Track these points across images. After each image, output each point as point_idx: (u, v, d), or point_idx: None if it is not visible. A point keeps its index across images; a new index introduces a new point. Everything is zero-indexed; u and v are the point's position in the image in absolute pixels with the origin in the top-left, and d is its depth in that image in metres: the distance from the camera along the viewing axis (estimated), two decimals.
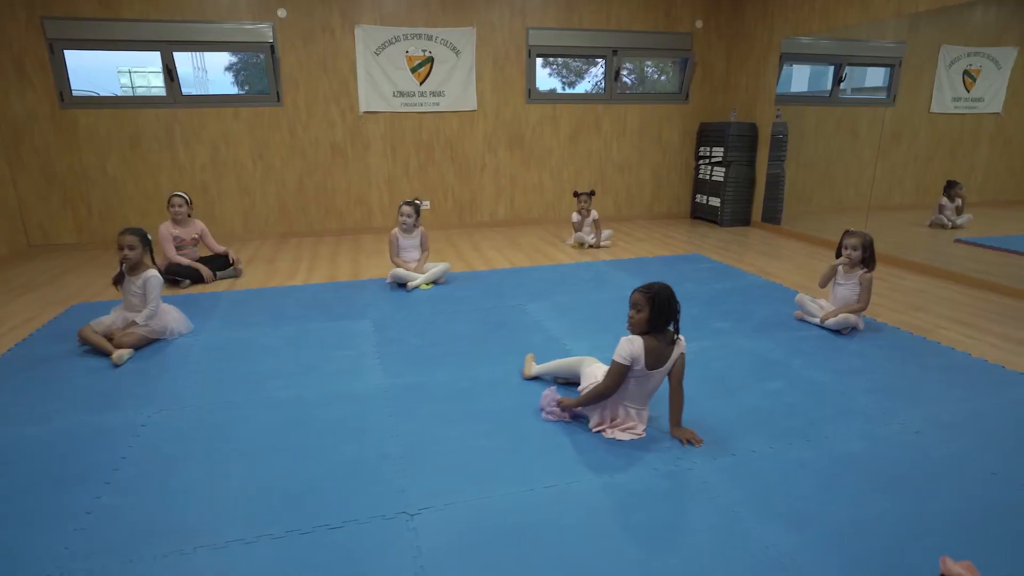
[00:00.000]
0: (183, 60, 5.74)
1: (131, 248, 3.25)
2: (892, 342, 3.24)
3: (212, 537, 1.75)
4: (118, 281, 3.31)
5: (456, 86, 6.31)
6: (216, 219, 6.06)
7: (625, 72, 6.88)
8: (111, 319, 3.29)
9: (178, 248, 4.58)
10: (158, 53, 5.57)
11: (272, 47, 5.77)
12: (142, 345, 3.22)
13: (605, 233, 5.78)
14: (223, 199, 6.05)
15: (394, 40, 6.03)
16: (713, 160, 6.82)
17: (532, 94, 6.56)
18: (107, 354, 3.03)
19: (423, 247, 4.52)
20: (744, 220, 6.79)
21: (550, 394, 2.49)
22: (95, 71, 5.42)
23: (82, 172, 5.65)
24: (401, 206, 4.38)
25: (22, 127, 5.43)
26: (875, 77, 6.05)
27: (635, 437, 2.28)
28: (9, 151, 5.44)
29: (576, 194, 5.70)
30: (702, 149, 7.03)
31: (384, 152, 6.35)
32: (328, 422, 2.41)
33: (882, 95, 5.51)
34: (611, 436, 2.29)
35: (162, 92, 5.71)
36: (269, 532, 1.78)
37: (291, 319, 3.66)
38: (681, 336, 2.29)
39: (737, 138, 6.53)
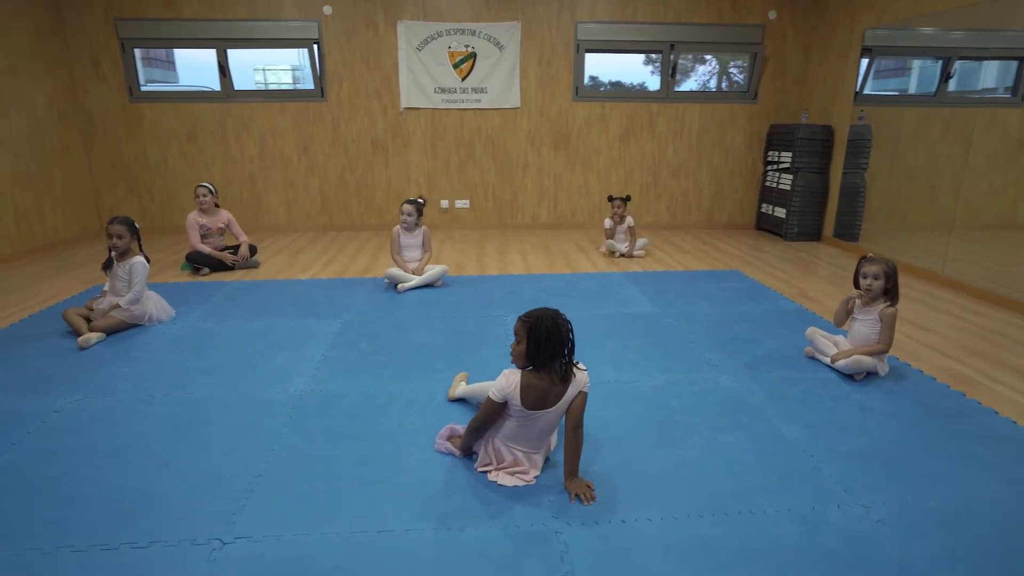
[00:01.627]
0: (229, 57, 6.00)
1: (119, 237, 3.37)
2: (913, 395, 2.64)
3: (14, 543, 1.70)
4: (107, 267, 3.45)
5: (499, 82, 6.12)
6: (262, 210, 6.31)
7: (685, 65, 6.34)
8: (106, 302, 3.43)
9: (204, 237, 4.77)
10: (214, 50, 5.87)
11: (317, 43, 5.89)
12: (118, 330, 3.33)
13: (640, 242, 5.35)
14: (269, 191, 6.28)
15: (436, 36, 5.94)
16: (781, 166, 6.11)
17: (579, 91, 6.21)
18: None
19: (425, 247, 4.38)
20: (812, 234, 6.03)
21: (453, 424, 2.24)
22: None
23: (146, 162, 6.08)
24: (403, 204, 4.27)
25: (97, 120, 5.93)
26: (992, 73, 5.07)
27: (522, 483, 1.98)
28: (86, 141, 5.97)
29: (611, 198, 5.32)
30: (770, 153, 6.33)
31: (424, 149, 6.30)
32: (219, 427, 2.33)
33: (1004, 94, 4.52)
34: (494, 479, 2.00)
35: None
36: (71, 544, 1.70)
37: (268, 314, 3.66)
38: (583, 372, 1.95)
39: (807, 142, 5.79)
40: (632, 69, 6.49)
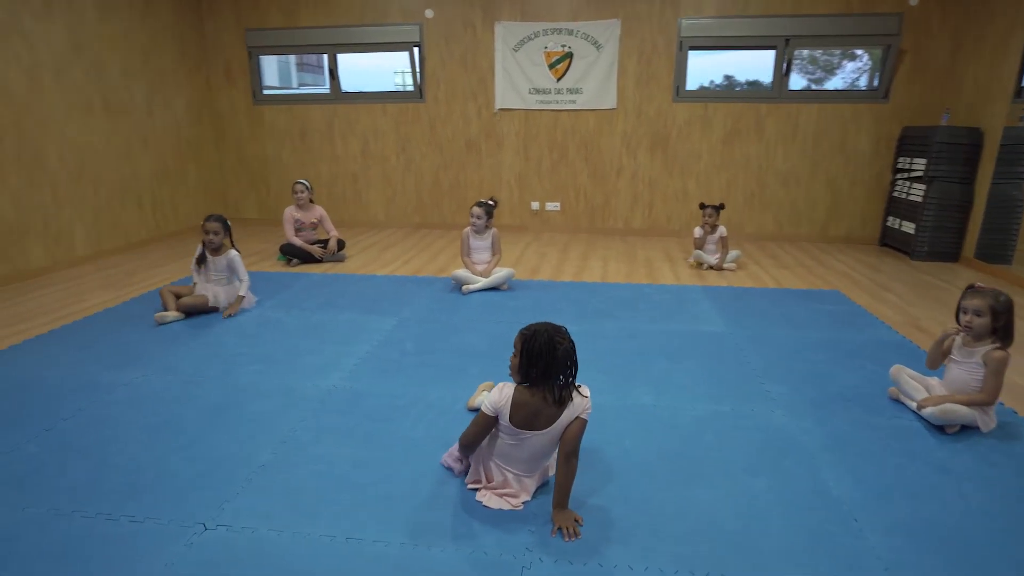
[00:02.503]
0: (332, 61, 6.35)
1: (216, 233, 3.64)
2: (1020, 460, 2.16)
3: (41, 501, 1.89)
4: (201, 261, 3.73)
5: (595, 83, 5.94)
6: (362, 206, 6.65)
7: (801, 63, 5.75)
8: (210, 293, 3.68)
9: (297, 230, 5.11)
10: (325, 56, 6.26)
11: (418, 46, 6.08)
12: (200, 312, 3.63)
13: (732, 254, 4.93)
14: (369, 188, 6.60)
15: (533, 36, 5.89)
16: (913, 174, 5.35)
17: (680, 91, 5.86)
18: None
19: (494, 249, 4.35)
20: (949, 255, 5.21)
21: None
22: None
23: (264, 159, 6.64)
24: (472, 207, 4.26)
25: (226, 120, 6.57)
26: None
27: (508, 507, 1.87)
28: (218, 140, 6.64)
29: (702, 206, 4.96)
30: (901, 160, 5.57)
31: (517, 150, 6.28)
32: (245, 414, 2.45)
33: None
34: (481, 499, 1.91)
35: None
36: (84, 509, 1.85)
37: (333, 307, 3.82)
38: (584, 398, 1.81)
39: (947, 147, 5.01)
40: (739, 66, 6.02)
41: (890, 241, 5.72)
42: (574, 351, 1.81)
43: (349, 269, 4.86)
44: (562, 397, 1.78)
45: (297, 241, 5.02)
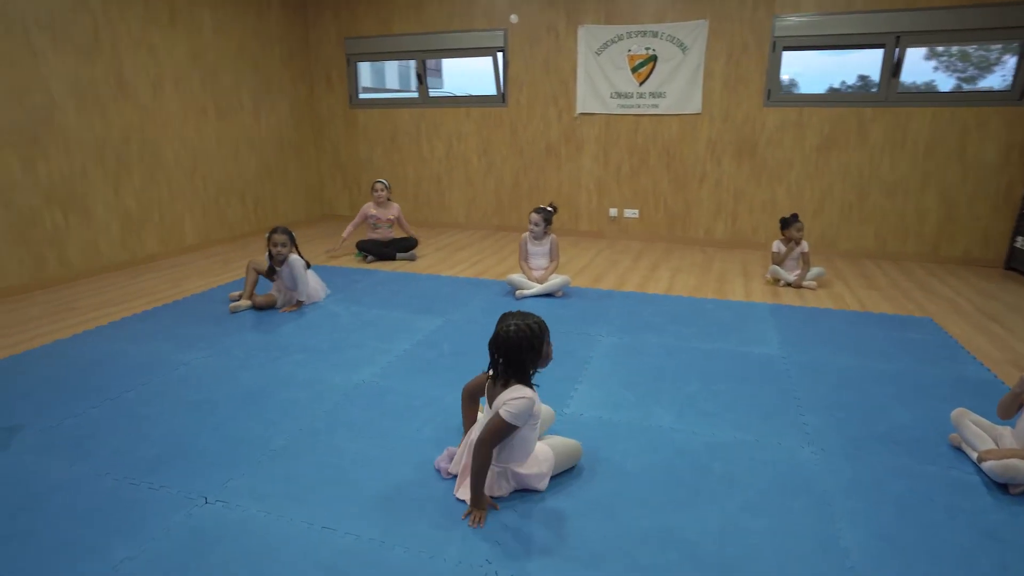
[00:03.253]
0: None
1: (283, 245, 3.85)
2: None
3: (87, 463, 2.15)
4: (271, 273, 3.93)
5: (679, 86, 5.72)
6: (444, 207, 6.86)
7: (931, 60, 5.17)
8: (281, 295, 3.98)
9: (374, 227, 5.39)
10: (412, 62, 6.53)
11: (502, 51, 6.17)
12: (270, 306, 3.93)
13: (813, 271, 4.56)
14: (452, 189, 6.80)
15: (617, 39, 5.78)
16: None
17: (772, 95, 5.49)
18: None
19: (552, 256, 4.33)
20: None
21: (451, 448, 2.20)
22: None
23: (357, 160, 7.05)
24: (531, 213, 4.27)
25: (325, 123, 7.05)
26: None
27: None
28: (317, 141, 7.15)
29: (784, 220, 4.63)
30: None
31: (596, 155, 6.19)
32: (277, 401, 2.63)
33: None
34: (457, 494, 1.95)
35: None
36: (114, 473, 2.09)
37: (388, 305, 3.99)
38: (518, 400, 1.82)
39: None
40: (838, 67, 5.53)
41: (1018, 264, 5.00)
42: (527, 337, 1.83)
43: (418, 268, 5.04)
44: (506, 380, 1.86)
45: (377, 236, 5.31)
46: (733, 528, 1.83)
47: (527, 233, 4.35)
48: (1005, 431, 2.20)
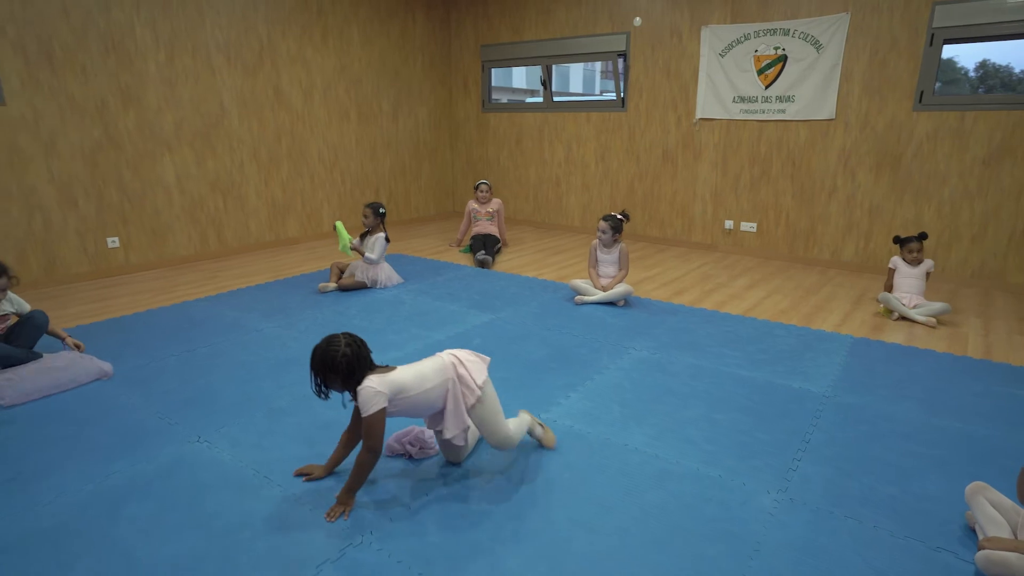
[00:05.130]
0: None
1: (366, 216, 4.42)
2: None
3: (151, 403, 2.70)
4: (363, 236, 4.53)
5: (810, 89, 5.16)
6: (562, 210, 6.97)
7: None
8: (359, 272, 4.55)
9: (474, 220, 5.77)
10: (539, 67, 6.71)
11: (623, 55, 6.09)
12: (352, 288, 4.42)
13: (935, 307, 3.86)
14: (569, 193, 6.88)
15: (743, 39, 5.39)
16: None
17: (924, 97, 4.70)
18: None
19: (620, 265, 4.24)
20: None
21: (415, 430, 2.34)
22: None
23: (486, 161, 7.45)
24: (600, 220, 4.22)
25: (460, 126, 7.56)
26: None
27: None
28: (453, 143, 7.69)
29: (899, 240, 4.01)
30: None
31: (715, 163, 5.84)
32: (300, 370, 2.98)
33: None
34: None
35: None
36: (159, 413, 2.59)
37: (451, 298, 4.23)
38: (373, 393, 1.91)
39: None
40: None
41: None
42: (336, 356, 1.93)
43: (503, 268, 5.21)
44: (352, 392, 1.94)
45: (479, 230, 5.70)
46: (640, 572, 1.73)
47: (596, 240, 4.31)
48: None
